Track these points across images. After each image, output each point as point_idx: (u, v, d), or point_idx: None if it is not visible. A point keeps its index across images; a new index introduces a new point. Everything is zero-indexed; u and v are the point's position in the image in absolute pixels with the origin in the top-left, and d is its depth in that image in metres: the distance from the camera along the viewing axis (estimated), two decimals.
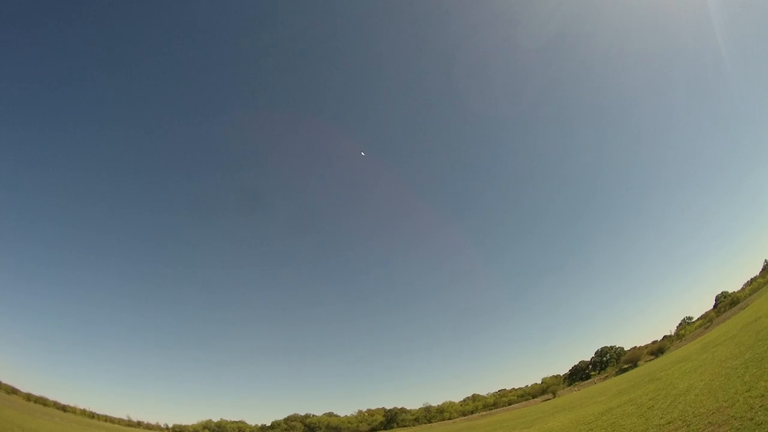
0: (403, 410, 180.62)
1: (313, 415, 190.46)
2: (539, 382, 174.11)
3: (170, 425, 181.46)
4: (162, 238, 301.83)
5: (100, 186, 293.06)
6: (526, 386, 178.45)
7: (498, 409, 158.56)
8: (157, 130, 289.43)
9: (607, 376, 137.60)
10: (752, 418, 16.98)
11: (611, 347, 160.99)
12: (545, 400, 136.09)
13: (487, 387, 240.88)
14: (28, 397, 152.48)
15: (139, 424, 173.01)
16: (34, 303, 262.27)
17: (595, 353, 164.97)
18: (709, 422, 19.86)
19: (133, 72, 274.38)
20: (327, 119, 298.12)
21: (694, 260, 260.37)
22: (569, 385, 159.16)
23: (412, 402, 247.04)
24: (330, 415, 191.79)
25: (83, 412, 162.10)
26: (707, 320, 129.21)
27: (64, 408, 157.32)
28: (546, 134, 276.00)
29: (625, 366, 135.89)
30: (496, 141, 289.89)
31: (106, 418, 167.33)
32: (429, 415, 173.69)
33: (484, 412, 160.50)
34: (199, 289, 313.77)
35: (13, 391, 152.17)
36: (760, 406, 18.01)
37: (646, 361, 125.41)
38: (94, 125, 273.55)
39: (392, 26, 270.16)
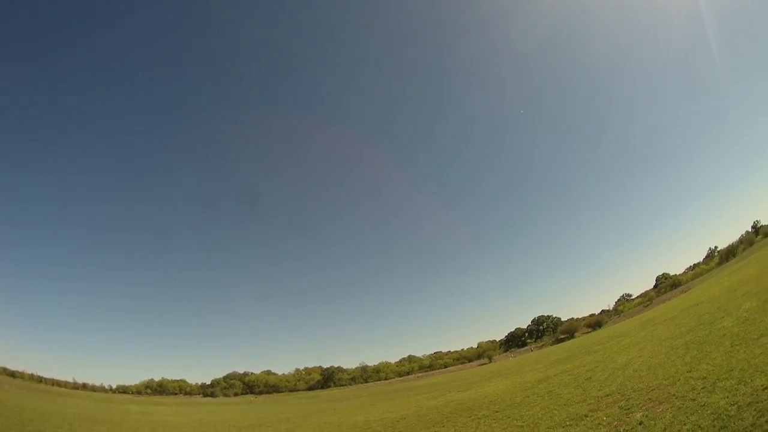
0: (339, 369, 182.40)
1: (252, 374, 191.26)
2: (475, 346, 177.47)
3: (114, 386, 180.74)
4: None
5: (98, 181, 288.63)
6: (462, 349, 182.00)
7: (434, 372, 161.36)
8: (156, 130, 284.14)
9: (543, 345, 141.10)
10: (694, 399, 17.23)
11: (548, 317, 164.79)
12: (481, 365, 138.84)
13: (423, 348, 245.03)
14: None
15: (84, 386, 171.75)
16: None
17: (532, 321, 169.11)
18: (649, 398, 20.14)
19: (133, 72, 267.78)
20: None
21: (638, 238, 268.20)
22: (505, 351, 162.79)
23: (349, 361, 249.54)
24: (268, 373, 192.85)
25: (31, 377, 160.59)
26: (647, 299, 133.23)
27: (13, 374, 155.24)
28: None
29: (562, 336, 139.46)
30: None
31: (53, 382, 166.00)
32: (365, 374, 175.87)
33: (420, 374, 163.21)
34: (137, 249, 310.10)
35: None
36: (702, 388, 18.29)
37: (583, 333, 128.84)
38: (94, 125, 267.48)
39: (392, 26, 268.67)
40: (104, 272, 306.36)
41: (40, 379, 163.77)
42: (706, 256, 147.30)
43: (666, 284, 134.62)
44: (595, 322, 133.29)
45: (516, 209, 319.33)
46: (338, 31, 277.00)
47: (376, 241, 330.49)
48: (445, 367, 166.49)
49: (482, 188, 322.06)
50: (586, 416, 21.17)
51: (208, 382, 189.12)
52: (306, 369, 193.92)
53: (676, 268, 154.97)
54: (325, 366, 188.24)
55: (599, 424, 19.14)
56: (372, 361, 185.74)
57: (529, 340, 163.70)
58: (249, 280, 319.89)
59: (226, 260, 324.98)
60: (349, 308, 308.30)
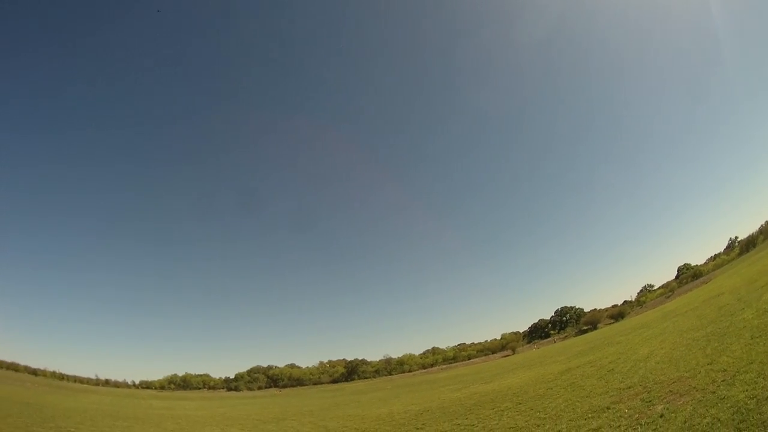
0: (364, 362, 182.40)
1: (276, 367, 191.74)
2: (499, 337, 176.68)
3: (137, 382, 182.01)
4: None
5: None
6: (486, 341, 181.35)
7: (457, 363, 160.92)
8: (157, 129, 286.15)
9: (566, 336, 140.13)
10: (714, 392, 17.26)
11: (571, 308, 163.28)
12: (504, 356, 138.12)
13: (447, 340, 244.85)
14: (0, 364, 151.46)
15: (107, 382, 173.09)
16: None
17: (555, 312, 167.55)
18: (670, 391, 20.18)
19: (133, 73, 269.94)
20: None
21: (660, 229, 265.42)
22: (528, 342, 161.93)
23: (373, 354, 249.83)
24: (292, 366, 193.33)
25: (53, 374, 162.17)
26: (669, 290, 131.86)
27: (35, 372, 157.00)
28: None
29: (585, 327, 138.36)
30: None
31: (75, 379, 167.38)
32: (389, 367, 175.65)
33: (444, 366, 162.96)
34: (156, 245, 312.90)
35: None
36: (722, 381, 18.30)
37: (606, 324, 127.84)
38: (95, 125, 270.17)
39: (392, 25, 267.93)
40: (127, 269, 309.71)
41: (61, 376, 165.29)
42: (726, 247, 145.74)
43: (687, 275, 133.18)
44: (617, 313, 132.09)
45: (539, 200, 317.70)
46: (339, 30, 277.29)
47: (401, 233, 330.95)
48: (469, 359, 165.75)
49: (503, 178, 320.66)
50: (608, 408, 21.23)
51: (232, 377, 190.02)
52: (330, 362, 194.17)
53: (698, 259, 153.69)
54: (349, 359, 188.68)
55: (621, 416, 19.20)
56: (396, 354, 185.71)
57: (552, 332, 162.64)
58: (273, 273, 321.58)
59: (250, 254, 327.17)
60: (373, 300, 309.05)
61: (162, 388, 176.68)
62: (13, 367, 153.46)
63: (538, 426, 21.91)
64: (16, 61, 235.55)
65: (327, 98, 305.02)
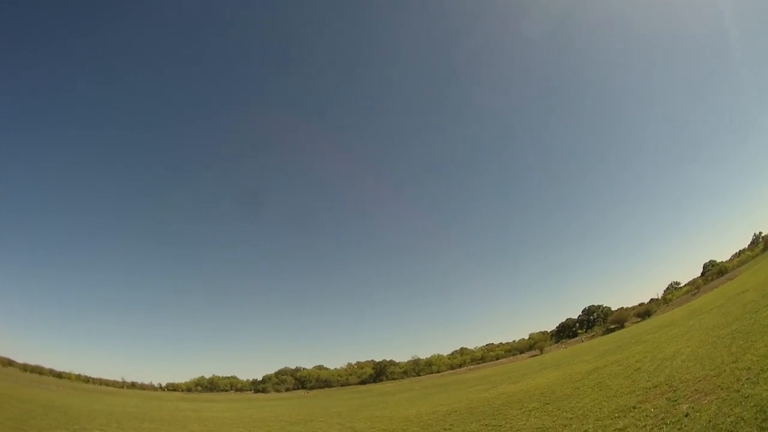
0: (392, 363, 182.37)
1: (304, 369, 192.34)
2: (527, 337, 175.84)
3: (163, 384, 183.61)
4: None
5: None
6: (514, 341, 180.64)
7: (485, 364, 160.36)
8: (157, 129, 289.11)
9: (593, 335, 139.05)
10: (738, 390, 17.17)
11: (599, 306, 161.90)
12: (532, 356, 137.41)
13: (475, 341, 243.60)
14: (25, 368, 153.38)
15: (133, 384, 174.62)
16: (25, 278, 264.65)
17: (583, 311, 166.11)
18: (696, 390, 20.09)
19: (134, 74, 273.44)
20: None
21: (685, 226, 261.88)
22: (556, 342, 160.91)
23: (402, 355, 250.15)
24: (320, 368, 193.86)
25: (78, 377, 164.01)
26: (694, 287, 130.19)
27: (59, 375, 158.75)
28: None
29: (612, 326, 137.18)
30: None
31: (101, 381, 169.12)
32: (418, 368, 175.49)
33: (472, 366, 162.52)
34: (184, 246, 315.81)
35: (9, 363, 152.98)
36: (746, 379, 18.20)
37: (633, 322, 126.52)
38: (96, 125, 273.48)
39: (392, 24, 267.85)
40: (154, 272, 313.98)
41: (87, 379, 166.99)
42: (751, 242, 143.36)
43: (713, 272, 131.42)
44: (644, 312, 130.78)
45: (566, 200, 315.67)
46: (341, 28, 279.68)
47: (430, 235, 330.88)
48: (497, 359, 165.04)
49: (528, 179, 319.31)
50: (634, 408, 21.17)
51: (260, 378, 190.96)
52: (358, 363, 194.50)
53: (723, 255, 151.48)
54: (377, 360, 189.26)
55: (647, 415, 19.15)
56: (424, 354, 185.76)
57: (579, 331, 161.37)
58: (302, 276, 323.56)
59: (278, 256, 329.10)
60: (402, 302, 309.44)
61: (189, 390, 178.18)
62: (38, 371, 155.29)
63: (565, 426, 21.88)
64: (25, 61, 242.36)
65: (341, 102, 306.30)
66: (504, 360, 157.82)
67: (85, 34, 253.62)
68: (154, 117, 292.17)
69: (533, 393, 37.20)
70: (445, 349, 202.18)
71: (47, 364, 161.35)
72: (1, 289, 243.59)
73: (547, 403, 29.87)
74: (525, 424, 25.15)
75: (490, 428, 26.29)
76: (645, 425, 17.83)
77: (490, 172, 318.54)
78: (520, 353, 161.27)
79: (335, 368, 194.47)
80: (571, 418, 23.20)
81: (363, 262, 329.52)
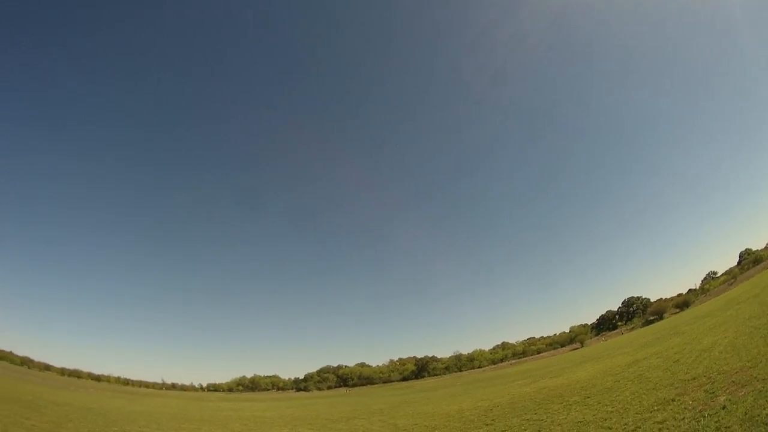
0: (434, 359, 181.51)
1: (346, 366, 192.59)
2: (567, 330, 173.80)
3: (204, 385, 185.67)
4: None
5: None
6: (555, 335, 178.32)
7: (527, 358, 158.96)
8: (158, 129, 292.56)
9: (633, 327, 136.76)
10: None
11: (638, 298, 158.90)
12: (573, 350, 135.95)
13: (516, 335, 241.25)
14: (62, 372, 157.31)
15: (173, 386, 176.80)
16: (63, 283, 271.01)
17: (622, 303, 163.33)
18: (733, 381, 19.92)
19: (135, 75, 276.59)
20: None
21: (722, 213, 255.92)
22: (596, 334, 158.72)
23: (443, 350, 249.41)
24: (362, 365, 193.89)
25: (117, 380, 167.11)
26: (731, 276, 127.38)
27: (98, 378, 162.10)
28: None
29: (651, 318, 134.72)
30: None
31: (141, 383, 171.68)
32: (459, 363, 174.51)
33: (513, 361, 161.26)
34: (228, 247, 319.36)
35: (46, 367, 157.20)
36: None
37: (672, 313, 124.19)
38: (98, 125, 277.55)
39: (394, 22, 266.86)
40: (193, 273, 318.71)
41: (126, 382, 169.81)
42: None
43: (749, 260, 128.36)
44: (682, 302, 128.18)
45: (601, 193, 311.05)
46: (341, 27, 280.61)
47: (471, 231, 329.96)
48: (538, 353, 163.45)
49: (567, 176, 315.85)
50: (673, 400, 21.05)
51: (302, 377, 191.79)
52: (400, 360, 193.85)
53: (759, 243, 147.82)
54: (419, 356, 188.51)
55: (685, 408, 19.07)
56: (466, 350, 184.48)
57: (619, 323, 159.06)
58: (343, 274, 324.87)
59: (319, 256, 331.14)
60: (443, 297, 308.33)
61: (230, 390, 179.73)
62: (76, 374, 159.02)
63: (605, 420, 21.80)
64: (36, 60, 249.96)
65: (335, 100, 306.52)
66: (545, 354, 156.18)
67: (85, 34, 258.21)
68: (165, 118, 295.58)
69: (574, 387, 36.99)
70: (487, 343, 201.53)
71: (86, 368, 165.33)
72: (41, 296, 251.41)
73: (588, 397, 29.75)
74: (566, 418, 25.11)
75: (531, 423, 26.20)
76: (683, 418, 17.76)
77: (525, 170, 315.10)
78: (561, 347, 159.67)
79: (377, 365, 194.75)
80: (611, 412, 23.12)
81: (404, 260, 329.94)
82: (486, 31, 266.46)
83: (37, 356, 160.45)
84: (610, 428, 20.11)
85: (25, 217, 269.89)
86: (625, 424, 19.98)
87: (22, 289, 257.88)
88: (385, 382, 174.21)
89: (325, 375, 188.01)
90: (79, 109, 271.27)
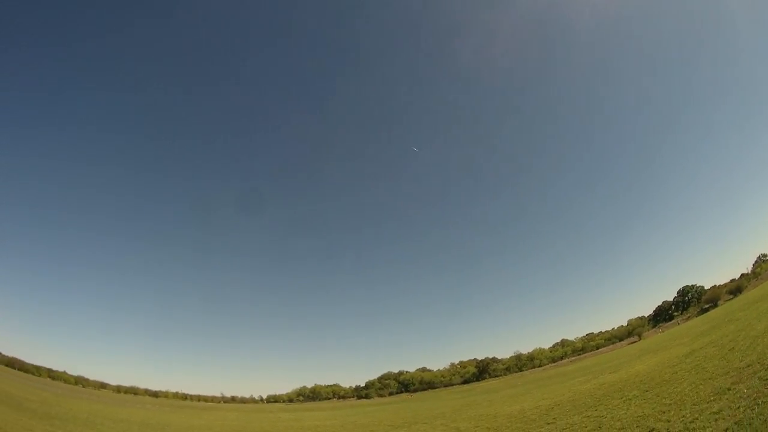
0: (494, 360, 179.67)
1: (407, 372, 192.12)
2: (625, 324, 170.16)
3: (264, 397, 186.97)
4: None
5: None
6: (613, 329, 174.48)
7: (586, 354, 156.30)
8: (160, 131, 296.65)
9: (689, 317, 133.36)
10: None
11: (692, 286, 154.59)
12: (631, 343, 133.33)
13: (575, 331, 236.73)
14: (118, 389, 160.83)
15: (233, 399, 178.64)
16: (120, 304, 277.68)
17: (678, 293, 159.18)
18: None
19: (136, 76, 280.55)
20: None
21: None
22: (653, 326, 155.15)
23: (504, 350, 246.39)
24: (423, 370, 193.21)
25: (175, 395, 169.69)
26: None
27: (155, 394, 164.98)
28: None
29: (706, 306, 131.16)
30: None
31: (199, 398, 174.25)
32: (520, 363, 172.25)
33: (573, 358, 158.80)
34: (284, 262, 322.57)
35: (102, 386, 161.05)
36: None
37: (726, 300, 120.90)
38: (98, 126, 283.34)
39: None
40: (254, 287, 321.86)
41: (184, 396, 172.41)
42: None
43: None
44: (735, 288, 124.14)
45: (653, 186, 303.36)
46: (339, 29, 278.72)
47: (522, 226, 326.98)
48: (597, 348, 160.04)
49: (617, 168, 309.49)
50: (728, 390, 21.00)
51: (362, 385, 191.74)
52: (461, 362, 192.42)
53: None
54: (479, 358, 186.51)
55: (740, 397, 19.06)
56: (526, 349, 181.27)
57: (675, 313, 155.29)
58: (400, 280, 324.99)
59: (374, 264, 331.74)
60: (503, 298, 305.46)
61: (290, 400, 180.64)
62: (132, 391, 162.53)
63: (663, 413, 21.86)
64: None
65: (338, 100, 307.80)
66: (604, 349, 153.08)
67: (85, 36, 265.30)
68: (164, 118, 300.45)
69: (633, 381, 36.72)
70: (547, 341, 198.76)
71: (143, 385, 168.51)
72: (97, 318, 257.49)
73: (647, 390, 29.65)
74: (626, 413, 25.11)
75: (591, 420, 26.29)
76: (738, 407, 17.81)
77: (576, 168, 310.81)
78: (619, 341, 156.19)
79: (438, 369, 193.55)
80: (669, 404, 23.13)
81: (460, 263, 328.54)
82: None
83: (93, 375, 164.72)
84: (668, 421, 20.21)
85: (68, 230, 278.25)
86: (683, 416, 20.04)
87: (77, 310, 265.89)
88: (446, 386, 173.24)
89: (386, 381, 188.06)
90: (79, 109, 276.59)
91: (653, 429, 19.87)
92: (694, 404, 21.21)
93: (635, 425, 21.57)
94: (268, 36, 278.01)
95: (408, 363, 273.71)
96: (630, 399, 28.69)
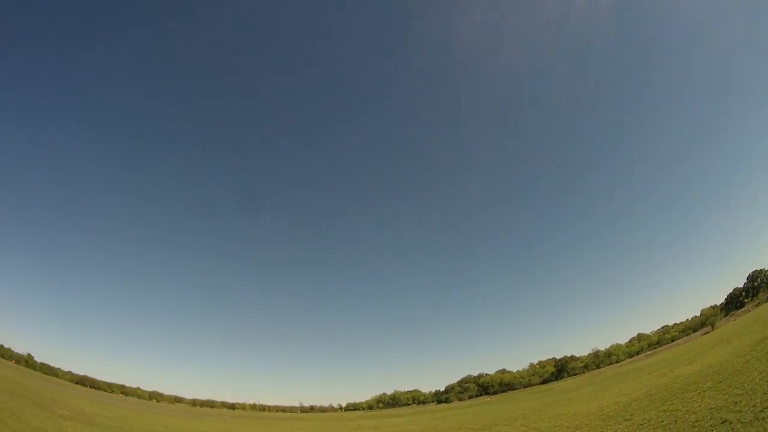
0: (573, 358, 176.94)
1: (486, 374, 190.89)
2: (698, 314, 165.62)
3: (343, 405, 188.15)
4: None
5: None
6: (687, 320, 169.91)
7: (661, 348, 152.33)
8: (160, 131, 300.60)
9: (759, 303, 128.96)
10: None
11: (761, 271, 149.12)
12: (704, 333, 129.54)
13: (650, 324, 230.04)
14: (194, 403, 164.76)
15: (311, 408, 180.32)
16: (204, 317, 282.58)
17: (747, 278, 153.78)
18: None
19: (137, 76, 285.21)
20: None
21: None
22: (725, 315, 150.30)
23: (582, 348, 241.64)
24: (503, 372, 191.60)
25: (253, 407, 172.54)
26: None
27: (233, 406, 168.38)
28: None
29: None
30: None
31: (277, 408, 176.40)
32: (597, 360, 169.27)
33: (649, 352, 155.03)
34: (351, 268, 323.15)
35: (176, 400, 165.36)
36: None
37: None
38: (99, 127, 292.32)
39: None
40: (333, 298, 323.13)
41: (262, 408, 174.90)
42: None
43: None
44: None
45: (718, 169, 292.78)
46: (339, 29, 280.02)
47: (597, 222, 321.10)
48: (672, 341, 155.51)
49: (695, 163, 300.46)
50: None
51: (442, 389, 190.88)
52: (540, 362, 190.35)
53: None
54: (558, 357, 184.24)
55: None
56: (603, 345, 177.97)
57: (746, 300, 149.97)
58: (480, 284, 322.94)
59: (451, 268, 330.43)
60: (580, 295, 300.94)
61: (369, 408, 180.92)
62: (209, 404, 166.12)
63: (735, 403, 22.30)
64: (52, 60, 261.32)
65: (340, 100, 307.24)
66: (679, 341, 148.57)
67: (85, 38, 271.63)
68: (165, 119, 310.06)
69: (707, 372, 36.51)
70: (623, 336, 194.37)
71: (219, 398, 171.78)
72: (174, 331, 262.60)
73: (720, 381, 29.71)
74: (699, 405, 25.45)
75: (668, 414, 26.57)
76: None
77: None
78: (693, 332, 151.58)
79: (517, 370, 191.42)
80: (741, 394, 23.50)
81: (537, 264, 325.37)
82: None
83: (168, 390, 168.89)
84: (740, 411, 20.70)
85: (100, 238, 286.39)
86: (754, 405, 20.55)
87: (152, 325, 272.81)
88: (525, 387, 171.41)
89: (466, 385, 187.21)
90: (79, 110, 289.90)
91: (725, 420, 20.36)
92: (764, 393, 21.66)
93: (709, 417, 21.97)
94: (269, 36, 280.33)
95: (488, 365, 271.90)
96: (704, 391, 28.84)
